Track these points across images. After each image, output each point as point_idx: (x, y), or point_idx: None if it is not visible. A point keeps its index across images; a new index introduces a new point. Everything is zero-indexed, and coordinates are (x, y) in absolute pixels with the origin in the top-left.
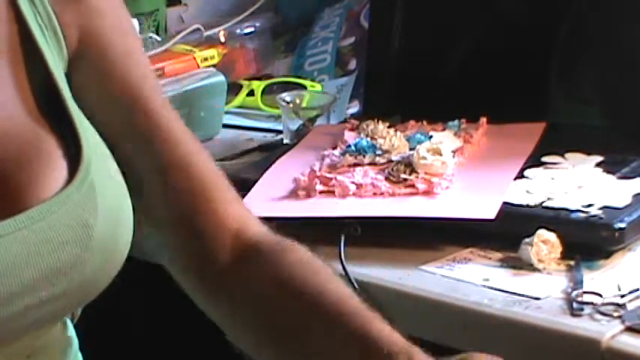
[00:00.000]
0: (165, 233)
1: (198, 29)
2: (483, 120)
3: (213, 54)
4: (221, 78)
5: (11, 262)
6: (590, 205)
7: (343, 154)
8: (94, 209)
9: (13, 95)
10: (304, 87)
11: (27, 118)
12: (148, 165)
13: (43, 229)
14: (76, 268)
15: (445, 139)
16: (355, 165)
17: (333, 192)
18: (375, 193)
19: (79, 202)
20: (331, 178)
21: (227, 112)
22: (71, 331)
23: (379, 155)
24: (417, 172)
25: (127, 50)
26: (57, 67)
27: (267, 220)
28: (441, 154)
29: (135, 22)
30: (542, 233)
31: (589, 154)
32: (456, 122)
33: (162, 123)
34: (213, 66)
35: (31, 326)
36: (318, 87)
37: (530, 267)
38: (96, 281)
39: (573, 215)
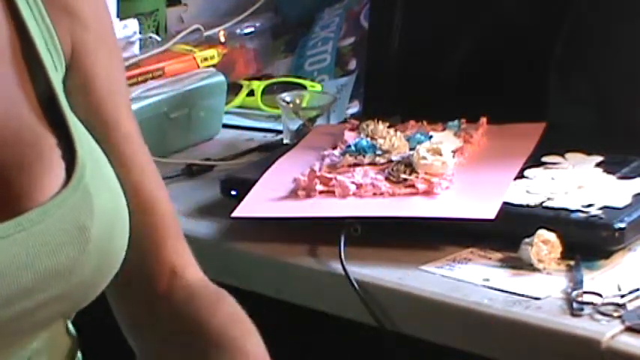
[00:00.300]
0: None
1: (198, 29)
2: (483, 120)
3: (213, 54)
4: (221, 78)
5: (10, 264)
6: (590, 205)
7: (343, 154)
8: (90, 212)
9: (15, 99)
10: (304, 87)
11: (28, 122)
12: None
13: (41, 231)
14: (74, 270)
15: (445, 139)
16: (355, 165)
17: (333, 192)
18: (375, 193)
19: (74, 205)
20: (331, 178)
21: (227, 112)
22: (71, 332)
23: (379, 155)
24: (417, 172)
25: (109, 68)
26: (55, 74)
27: (267, 220)
28: (441, 154)
29: (135, 22)
30: (542, 233)
31: (589, 154)
32: (456, 122)
33: (133, 153)
34: (213, 66)
35: (29, 328)
36: (318, 87)
37: (530, 267)
38: (93, 283)
39: (573, 215)
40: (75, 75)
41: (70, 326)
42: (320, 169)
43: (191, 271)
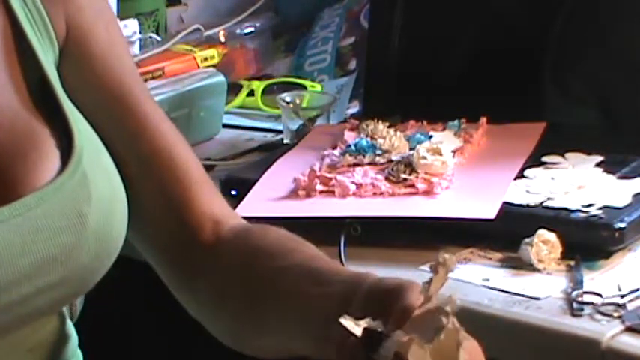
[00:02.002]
0: (148, 220)
1: (198, 29)
2: (483, 120)
3: (213, 54)
4: (221, 78)
5: (7, 250)
6: (590, 205)
7: (343, 154)
8: (88, 198)
9: (7, 88)
10: (304, 87)
11: (21, 111)
12: (133, 155)
13: (37, 216)
14: (72, 256)
15: (445, 139)
16: (355, 165)
17: (333, 192)
18: (375, 193)
19: (72, 190)
20: (331, 178)
21: (227, 112)
22: (70, 328)
23: (379, 155)
24: (417, 172)
25: (109, 43)
26: (48, 60)
27: (267, 220)
28: (441, 154)
29: (135, 22)
30: (542, 233)
31: (589, 154)
32: (456, 122)
33: (145, 115)
34: (213, 66)
35: (29, 315)
36: (318, 87)
37: (530, 267)
38: (92, 270)
39: (573, 215)
40: (72, 57)
41: (70, 322)
42: (320, 169)
43: (231, 217)
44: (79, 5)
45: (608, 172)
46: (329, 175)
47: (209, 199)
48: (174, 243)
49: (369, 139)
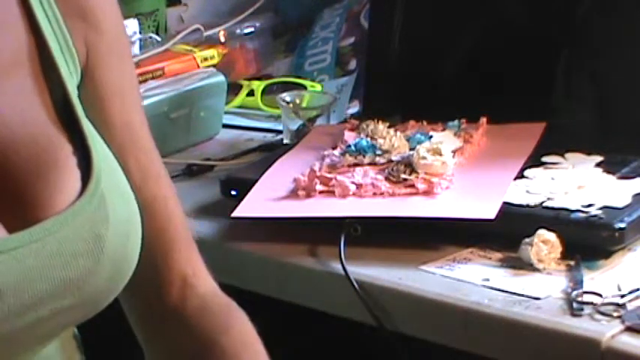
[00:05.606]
0: None
1: (198, 29)
2: (483, 120)
3: (213, 54)
4: (221, 78)
5: (25, 275)
6: (590, 205)
7: (343, 154)
8: (106, 221)
9: (32, 106)
10: (304, 87)
11: (46, 127)
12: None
13: (56, 241)
14: (88, 280)
15: (445, 139)
16: (355, 165)
17: (333, 192)
18: (375, 193)
19: (91, 213)
20: (331, 178)
21: (227, 112)
22: (77, 335)
23: (379, 155)
24: (417, 172)
25: (120, 74)
26: (70, 79)
27: (267, 220)
28: (441, 154)
29: (135, 22)
30: (542, 233)
31: (589, 154)
32: (456, 122)
33: (139, 156)
34: (213, 66)
35: (41, 337)
36: (318, 87)
37: (530, 267)
38: (106, 292)
39: (573, 215)
40: (88, 80)
41: (75, 329)
42: (320, 169)
43: (203, 280)
44: (98, 29)
45: (608, 172)
46: (329, 175)
47: (186, 257)
48: (141, 289)
49: (369, 139)
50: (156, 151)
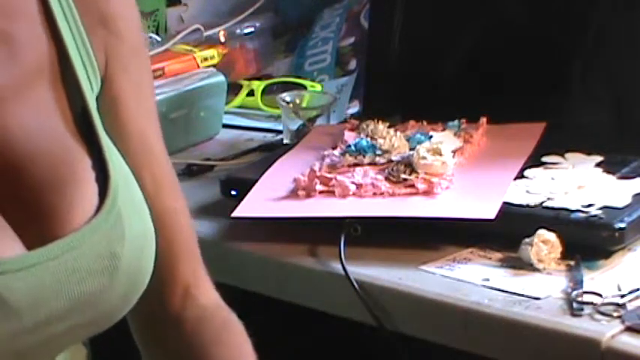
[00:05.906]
0: None
1: (198, 29)
2: (483, 120)
3: (213, 54)
4: (221, 78)
5: (41, 292)
6: (590, 205)
7: (343, 154)
8: (122, 238)
9: (52, 117)
10: (304, 87)
11: (64, 138)
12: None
13: (73, 258)
14: (102, 296)
15: (445, 139)
16: (355, 165)
17: (333, 192)
18: (375, 193)
19: (107, 231)
20: (331, 178)
21: (227, 112)
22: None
23: (379, 155)
24: (417, 172)
25: (139, 83)
26: (89, 89)
27: (267, 220)
28: (441, 154)
29: None
30: (542, 233)
31: (589, 154)
32: (456, 122)
33: (155, 168)
34: (213, 66)
35: (53, 351)
36: (318, 87)
37: (530, 267)
38: (121, 307)
39: (573, 215)
40: (107, 89)
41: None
42: (320, 169)
43: (205, 291)
44: (119, 36)
45: (608, 172)
46: (329, 175)
47: (191, 268)
48: (144, 297)
49: (369, 139)
50: (169, 162)
